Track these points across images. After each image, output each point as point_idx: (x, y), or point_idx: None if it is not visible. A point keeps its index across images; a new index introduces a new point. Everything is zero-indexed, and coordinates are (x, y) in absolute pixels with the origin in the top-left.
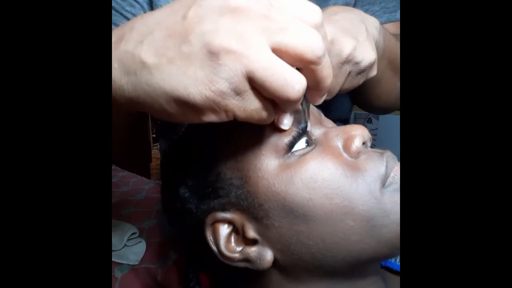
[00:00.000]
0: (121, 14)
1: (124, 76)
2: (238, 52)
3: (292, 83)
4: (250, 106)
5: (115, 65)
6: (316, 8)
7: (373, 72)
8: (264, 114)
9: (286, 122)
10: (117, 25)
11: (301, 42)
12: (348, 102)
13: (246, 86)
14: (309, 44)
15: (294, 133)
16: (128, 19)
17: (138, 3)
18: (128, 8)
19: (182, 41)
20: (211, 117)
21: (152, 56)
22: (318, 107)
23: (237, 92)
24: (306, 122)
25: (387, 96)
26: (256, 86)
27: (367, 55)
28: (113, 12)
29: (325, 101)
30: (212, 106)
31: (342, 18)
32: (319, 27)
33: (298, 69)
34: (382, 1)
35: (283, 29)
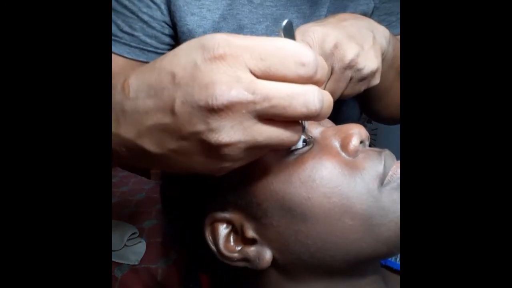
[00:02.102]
0: (137, 16)
1: (133, 158)
2: (234, 142)
3: (290, 142)
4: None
5: (122, 148)
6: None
7: (376, 81)
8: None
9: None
10: (132, 28)
11: (288, 107)
12: (358, 111)
13: (244, 154)
14: (294, 104)
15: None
16: (144, 21)
17: (155, 3)
18: (144, 10)
19: (178, 137)
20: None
21: (155, 147)
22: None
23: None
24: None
25: (396, 106)
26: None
27: (369, 62)
28: (129, 14)
29: (334, 110)
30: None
31: (350, 25)
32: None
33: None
34: (399, 12)
35: (269, 102)
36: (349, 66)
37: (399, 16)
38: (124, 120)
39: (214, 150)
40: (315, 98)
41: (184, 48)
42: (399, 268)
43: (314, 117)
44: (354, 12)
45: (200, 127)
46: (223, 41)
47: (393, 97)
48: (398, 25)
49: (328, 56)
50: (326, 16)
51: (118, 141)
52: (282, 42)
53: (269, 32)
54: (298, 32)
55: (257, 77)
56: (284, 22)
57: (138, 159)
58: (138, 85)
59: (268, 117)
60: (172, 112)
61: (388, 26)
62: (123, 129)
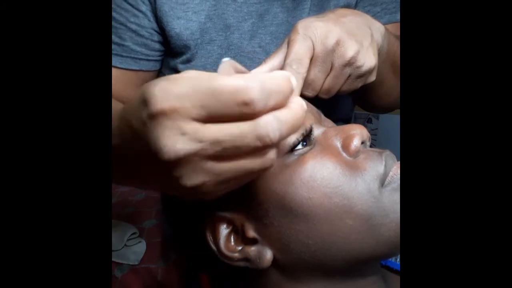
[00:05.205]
0: (126, 26)
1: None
2: (199, 184)
3: (260, 168)
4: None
5: (125, 180)
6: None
7: (372, 78)
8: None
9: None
10: (122, 38)
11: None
12: (350, 103)
13: (218, 188)
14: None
15: (298, 135)
16: (133, 30)
17: (142, 12)
18: (132, 19)
19: (157, 179)
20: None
21: (143, 182)
22: (320, 107)
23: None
24: None
25: (389, 96)
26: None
27: (368, 60)
28: (117, 25)
29: (327, 101)
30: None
31: (349, 21)
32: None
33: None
34: (383, 2)
35: (219, 145)
36: (349, 63)
37: (383, 6)
38: (123, 161)
39: (187, 190)
40: (268, 130)
41: (135, 98)
42: (399, 268)
43: (272, 145)
44: (337, 4)
45: (166, 174)
46: (161, 93)
47: (387, 88)
48: (383, 15)
49: (330, 52)
50: (309, 10)
51: (122, 176)
52: (219, 84)
53: (255, 28)
54: (300, 26)
55: (204, 122)
56: (224, 59)
57: (142, 187)
58: (120, 131)
59: (226, 156)
60: (146, 160)
61: (373, 16)
62: (123, 169)
